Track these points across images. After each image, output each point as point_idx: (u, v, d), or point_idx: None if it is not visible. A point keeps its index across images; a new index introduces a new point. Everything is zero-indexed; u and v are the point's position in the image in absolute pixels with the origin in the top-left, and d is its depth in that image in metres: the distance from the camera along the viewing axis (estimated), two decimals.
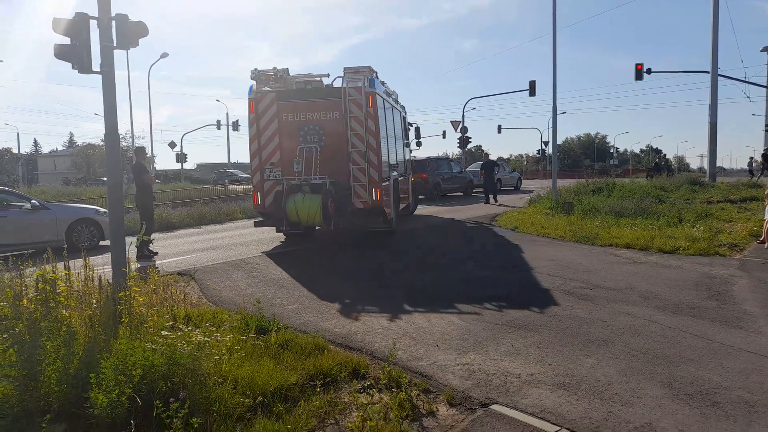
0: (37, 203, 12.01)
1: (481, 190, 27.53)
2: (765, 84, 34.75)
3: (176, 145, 48.56)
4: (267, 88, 11.13)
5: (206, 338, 4.17)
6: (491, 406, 4.02)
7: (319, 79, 11.66)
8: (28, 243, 11.35)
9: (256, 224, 11.61)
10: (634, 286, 7.49)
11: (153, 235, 11.50)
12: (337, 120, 10.96)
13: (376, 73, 11.68)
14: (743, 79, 30.35)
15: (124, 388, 3.39)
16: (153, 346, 3.78)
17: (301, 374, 4.47)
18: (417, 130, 18.22)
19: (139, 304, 5.60)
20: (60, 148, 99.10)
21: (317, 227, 10.87)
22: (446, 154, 53.75)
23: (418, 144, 18.50)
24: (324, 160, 10.78)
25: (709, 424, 3.66)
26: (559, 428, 3.67)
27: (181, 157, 48.08)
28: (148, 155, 50.61)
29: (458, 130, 36.49)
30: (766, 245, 10.09)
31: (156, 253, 10.90)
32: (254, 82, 11.21)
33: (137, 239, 7.49)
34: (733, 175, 47.25)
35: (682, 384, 4.30)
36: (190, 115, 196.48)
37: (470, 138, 35.65)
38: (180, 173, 51.08)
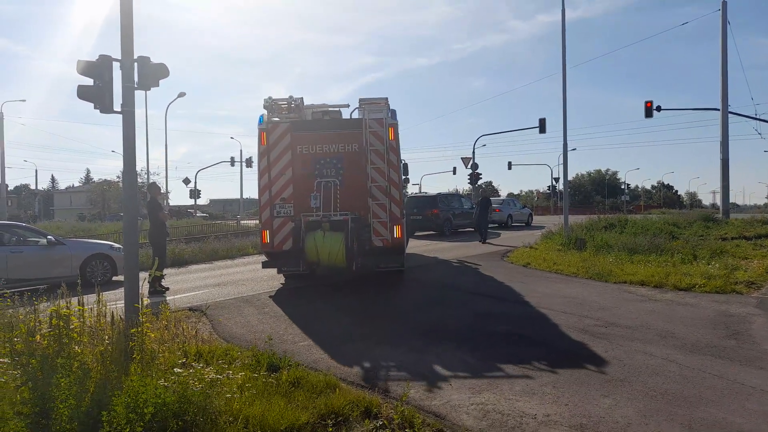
0: (53, 239, 12.19)
1: (496, 225, 27.58)
2: None
3: (190, 181, 49.25)
4: (276, 119, 10.67)
5: (218, 376, 4.15)
6: None
7: (337, 109, 11.29)
8: (44, 278, 11.45)
9: (264, 265, 10.83)
10: (650, 324, 7.37)
11: (165, 271, 11.58)
12: (357, 153, 10.48)
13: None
14: (754, 116, 30.42)
15: (135, 427, 3.37)
16: (165, 384, 3.77)
17: (312, 413, 4.41)
18: (405, 166, 18.07)
19: (150, 340, 5.60)
20: (76, 184, 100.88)
21: (338, 268, 10.12)
22: (457, 190, 53.94)
23: (406, 181, 18.33)
24: (342, 195, 10.36)
25: None
26: None
27: (195, 193, 48.65)
28: (162, 191, 51.25)
29: (468, 166, 36.71)
30: None
31: (168, 289, 10.94)
32: (266, 112, 10.71)
33: (149, 275, 7.57)
34: (747, 212, 46.81)
35: (703, 426, 4.19)
36: (205, 152, 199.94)
37: (481, 174, 35.80)
38: (194, 209, 51.64)
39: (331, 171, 10.50)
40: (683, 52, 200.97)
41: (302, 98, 10.87)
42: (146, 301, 6.46)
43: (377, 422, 4.35)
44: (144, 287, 7.47)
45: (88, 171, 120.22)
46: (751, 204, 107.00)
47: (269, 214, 10.32)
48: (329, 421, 4.31)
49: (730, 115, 25.71)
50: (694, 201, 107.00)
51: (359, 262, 10.03)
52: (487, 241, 19.50)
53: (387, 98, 10.79)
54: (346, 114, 11.65)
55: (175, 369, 4.09)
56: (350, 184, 10.42)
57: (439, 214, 22.62)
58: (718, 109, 25.57)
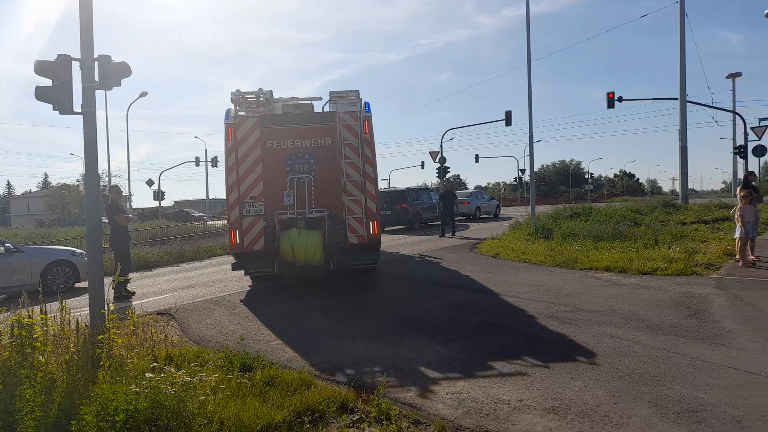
0: (11, 246, 11.77)
1: (464, 218, 27.85)
2: (731, 109, 36.06)
3: (154, 182, 48.20)
4: (243, 113, 10.22)
5: (191, 379, 4.09)
6: None
7: (309, 102, 10.91)
8: (2, 287, 11.06)
9: (234, 267, 10.16)
10: (615, 308, 7.58)
11: (131, 275, 11.32)
12: (330, 148, 10.15)
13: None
14: (710, 104, 31.47)
15: None
16: (136, 389, 3.69)
17: (288, 411, 4.39)
18: None
19: (118, 346, 5.49)
20: (34, 189, 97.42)
21: (315, 267, 9.76)
22: (425, 184, 54.20)
23: None
24: (316, 191, 10.05)
25: None
26: None
27: (159, 195, 47.64)
28: (124, 194, 49.98)
29: (437, 160, 36.91)
30: (740, 263, 10.32)
31: (133, 293, 10.70)
32: (233, 106, 10.26)
33: (113, 280, 7.37)
34: (705, 197, 48.42)
35: (669, 403, 4.34)
36: (168, 153, 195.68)
37: (449, 168, 36.01)
38: (158, 211, 50.51)
39: (303, 167, 10.13)
40: (643, 43, 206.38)
41: (271, 91, 10.52)
42: (112, 306, 6.31)
43: (354, 416, 4.36)
44: (109, 293, 7.27)
45: (46, 175, 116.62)
46: (708, 190, 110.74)
47: (238, 213, 9.81)
48: (306, 418, 4.31)
49: (688, 104, 26.53)
50: (654, 188, 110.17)
51: (335, 260, 9.75)
52: (456, 233, 19.58)
53: (358, 91, 10.48)
54: (318, 107, 11.31)
55: (146, 374, 4.01)
56: (324, 180, 10.09)
57: (408, 209, 22.72)
58: (677, 99, 26.35)
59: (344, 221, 9.90)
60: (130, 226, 12.60)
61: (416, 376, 5.28)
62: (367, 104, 10.32)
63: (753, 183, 12.12)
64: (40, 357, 4.73)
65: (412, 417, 4.33)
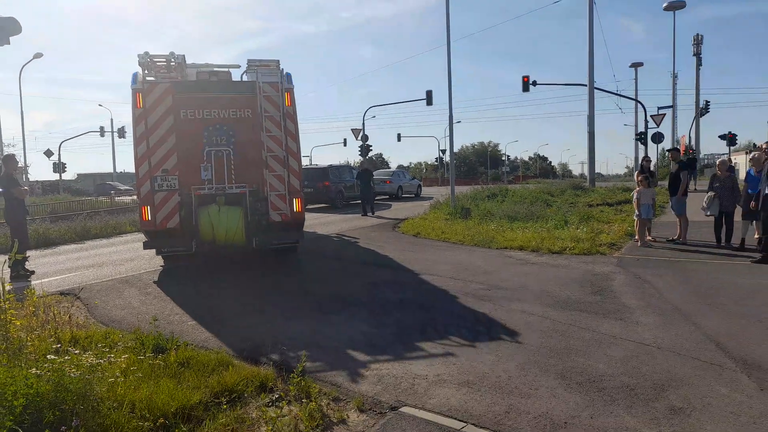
0: None
1: (387, 197, 28.10)
2: (633, 97, 38.58)
3: (53, 153, 44.73)
4: (151, 78, 9.40)
5: (98, 360, 3.86)
6: (400, 409, 4.09)
7: (226, 70, 10.24)
8: None
9: (146, 246, 9.49)
10: (527, 285, 7.97)
11: (28, 253, 10.47)
12: (250, 119, 9.57)
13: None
14: (615, 92, 33.48)
15: (4, 421, 3.06)
16: (37, 372, 3.45)
17: (204, 392, 4.27)
18: None
19: (16, 328, 5.08)
20: None
21: (236, 246, 9.26)
22: (348, 162, 54.11)
23: None
24: (235, 166, 9.48)
25: (597, 408, 3.98)
26: (465, 424, 3.81)
27: (60, 167, 44.29)
28: (20, 165, 46.04)
29: (359, 138, 36.88)
30: (639, 243, 11.16)
31: (33, 272, 9.92)
32: (140, 70, 9.38)
33: (9, 258, 6.75)
34: (610, 181, 51.78)
35: (573, 374, 4.64)
36: (70, 122, 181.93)
37: (371, 146, 36.19)
38: (59, 184, 46.96)
39: (221, 139, 9.47)
40: (558, 29, 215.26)
41: (184, 56, 9.75)
42: (9, 286, 5.83)
43: (273, 395, 4.32)
44: (4, 272, 6.65)
45: None
46: (613, 174, 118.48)
47: (149, 187, 9.01)
48: (223, 398, 4.21)
49: (595, 90, 28.07)
50: (565, 171, 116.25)
51: (257, 239, 9.27)
52: (375, 213, 19.57)
53: (278, 61, 9.92)
54: (236, 76, 10.71)
55: (48, 356, 3.75)
56: (243, 154, 9.51)
57: (330, 187, 22.58)
58: (586, 85, 27.79)
59: (266, 198, 9.43)
60: (27, 200, 11.63)
61: (337, 354, 5.31)
62: (288, 75, 9.85)
63: (649, 168, 13.11)
64: None
65: (332, 394, 4.36)
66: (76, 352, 4.26)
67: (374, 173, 31.46)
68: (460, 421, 3.86)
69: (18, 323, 5.13)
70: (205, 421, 3.87)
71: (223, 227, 8.86)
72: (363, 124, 38.54)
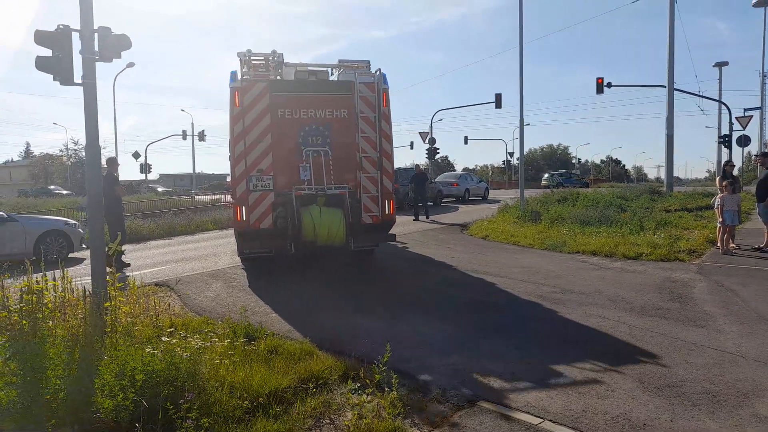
0: (5, 215, 11.78)
1: (452, 200, 28.12)
2: (717, 98, 36.52)
3: (140, 155, 47.74)
4: (247, 77, 9.24)
5: (205, 343, 4.28)
6: (477, 402, 4.25)
7: (325, 70, 10.07)
8: None
9: (241, 249, 9.63)
10: (602, 290, 7.88)
11: (124, 247, 11.40)
12: (346, 120, 9.40)
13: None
14: (697, 93, 31.86)
15: (128, 393, 3.49)
16: (153, 351, 3.88)
17: (293, 378, 4.61)
18: None
19: (123, 314, 5.66)
20: (16, 158, 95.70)
21: (335, 247, 9.01)
22: (417, 165, 54.24)
23: None
24: (332, 166, 9.28)
25: (677, 412, 3.98)
26: (541, 420, 3.92)
27: (146, 168, 47.24)
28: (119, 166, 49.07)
29: (426, 141, 37.01)
30: (721, 251, 10.70)
31: (128, 265, 10.80)
32: (238, 68, 9.35)
33: (109, 248, 7.45)
34: (689, 185, 49.24)
35: (652, 378, 4.63)
36: (154, 125, 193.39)
37: (438, 149, 36.18)
38: (141, 184, 50.14)
39: (317, 139, 9.28)
40: (634, 29, 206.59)
41: (282, 54, 9.62)
42: (118, 275, 6.46)
43: (356, 384, 4.59)
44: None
45: (28, 144, 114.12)
46: (692, 178, 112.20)
47: (245, 187, 8.93)
48: (310, 384, 4.53)
49: (675, 92, 26.84)
50: (640, 175, 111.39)
51: (354, 240, 8.95)
52: (430, 217, 18.90)
53: (369, 61, 9.79)
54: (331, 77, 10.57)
55: (162, 338, 4.19)
56: (338, 155, 9.32)
57: (399, 189, 22.82)
58: (665, 86, 26.62)
59: (359, 200, 9.34)
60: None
61: (413, 348, 5.52)
62: (384, 75, 9.64)
63: (732, 173, 12.49)
64: (50, 322, 4.90)
65: (411, 386, 4.58)
66: (173, 340, 4.71)
67: (441, 176, 31.59)
68: (537, 417, 3.98)
69: (125, 309, 5.72)
70: (295, 403, 4.20)
71: (325, 228, 8.63)
72: (431, 126, 38.65)
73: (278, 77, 9.63)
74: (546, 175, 48.31)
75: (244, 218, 8.94)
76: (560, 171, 55.53)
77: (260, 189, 8.99)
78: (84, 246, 12.00)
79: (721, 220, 10.83)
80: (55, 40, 6.63)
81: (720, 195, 11.12)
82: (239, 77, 9.18)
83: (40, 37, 6.61)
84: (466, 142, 55.64)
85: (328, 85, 9.80)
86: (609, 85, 27.88)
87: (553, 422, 3.89)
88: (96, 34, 6.78)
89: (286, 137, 9.18)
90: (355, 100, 9.32)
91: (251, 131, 8.96)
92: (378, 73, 9.61)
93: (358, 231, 9.18)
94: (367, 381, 4.34)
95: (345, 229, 8.67)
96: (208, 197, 34.26)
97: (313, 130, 9.31)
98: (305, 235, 8.61)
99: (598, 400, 4.22)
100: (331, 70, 10.63)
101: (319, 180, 9.11)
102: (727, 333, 5.81)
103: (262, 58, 9.56)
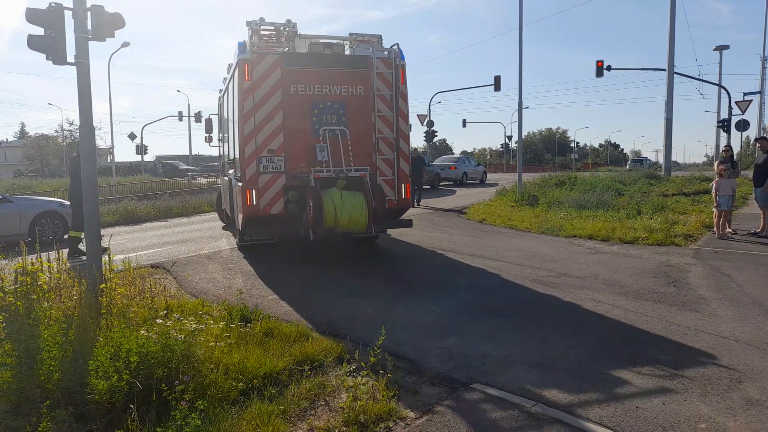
0: (0, 196, 11.71)
1: (450, 183, 28.07)
2: (717, 82, 36.32)
3: (136, 136, 47.40)
4: (256, 49, 8.42)
5: (200, 326, 4.28)
6: (471, 385, 4.28)
7: (340, 43, 9.19)
8: None
9: (245, 235, 9.14)
10: (597, 274, 7.90)
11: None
12: (362, 98, 8.80)
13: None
14: (697, 77, 31.67)
15: (122, 374, 3.49)
16: (147, 333, 3.87)
17: (288, 360, 4.62)
18: None
19: (119, 295, 5.65)
20: (11, 138, 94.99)
21: (356, 233, 8.50)
22: (416, 149, 54.11)
23: None
24: (349, 147, 8.65)
25: (670, 396, 4.00)
26: (535, 403, 3.94)
27: (142, 149, 46.93)
28: (106, 146, 48.68)
29: (424, 123, 36.84)
30: (717, 235, 10.71)
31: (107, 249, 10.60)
32: (246, 39, 8.59)
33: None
34: (687, 170, 49.21)
35: (644, 360, 4.66)
36: (150, 106, 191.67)
37: (436, 132, 36.06)
38: (140, 165, 49.84)
39: (332, 117, 8.64)
40: (634, 12, 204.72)
41: (297, 24, 8.87)
42: (114, 257, 6.43)
43: (351, 366, 4.61)
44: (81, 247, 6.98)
45: (23, 125, 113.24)
46: (690, 162, 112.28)
47: (255, 168, 8.29)
48: (305, 366, 4.54)
49: (675, 75, 26.67)
50: (638, 159, 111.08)
51: (374, 226, 8.35)
52: (420, 203, 18.25)
53: (381, 36, 9.16)
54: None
55: (157, 320, 4.19)
56: (354, 135, 8.72)
57: None
58: (665, 70, 26.45)
59: (378, 183, 8.80)
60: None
61: (409, 331, 5.54)
62: (400, 50, 9.06)
63: (732, 158, 12.46)
64: (45, 303, 4.88)
65: (405, 368, 4.60)
66: (168, 322, 4.71)
67: (438, 159, 31.48)
68: (530, 399, 4.00)
69: (120, 291, 5.72)
70: (290, 385, 4.21)
71: (347, 213, 7.97)
72: (429, 109, 38.50)
73: (288, 49, 8.78)
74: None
75: (255, 202, 8.34)
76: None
77: (271, 171, 8.39)
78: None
79: (716, 204, 10.83)
80: (47, 18, 6.52)
81: (716, 180, 11.11)
82: (247, 48, 8.42)
83: (32, 15, 6.50)
84: (464, 125, 55.24)
85: (344, 59, 8.98)
86: (609, 68, 27.67)
87: (546, 405, 3.91)
88: (89, 13, 6.68)
89: (298, 115, 8.51)
90: (372, 76, 8.78)
91: (261, 108, 8.32)
92: (395, 47, 9.02)
93: (380, 217, 8.53)
94: (363, 363, 4.35)
95: (368, 215, 8.06)
96: (205, 180, 34.13)
97: (328, 108, 8.66)
98: (327, 221, 7.94)
99: (591, 384, 4.24)
100: (345, 44, 9.74)
101: (338, 161, 8.43)
102: (721, 317, 5.84)
103: (273, 28, 8.83)
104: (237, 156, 9.00)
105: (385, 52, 8.95)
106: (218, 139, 13.72)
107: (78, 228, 9.63)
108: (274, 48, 8.64)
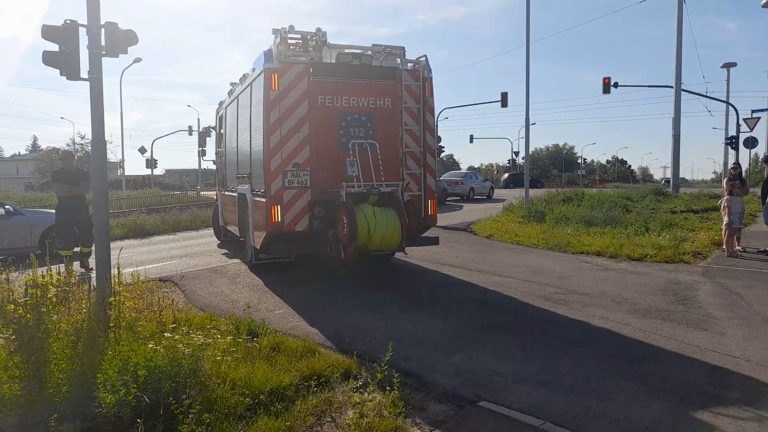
0: (11, 208, 11.84)
1: (457, 198, 28.09)
2: (725, 99, 36.29)
3: (146, 150, 47.83)
4: (283, 58, 8.08)
5: (207, 340, 4.29)
6: (479, 403, 4.25)
7: (369, 54, 8.81)
8: (2, 249, 11.15)
9: (266, 252, 8.65)
10: (606, 291, 7.86)
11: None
12: (389, 110, 8.54)
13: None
14: (705, 94, 31.67)
15: (130, 388, 3.50)
16: (155, 347, 3.89)
17: (295, 375, 4.62)
18: None
19: (128, 309, 5.68)
20: (23, 152, 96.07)
21: (388, 252, 8.14)
22: None
23: None
24: (377, 161, 8.30)
25: (680, 416, 3.96)
26: (543, 422, 3.91)
27: (152, 163, 47.30)
28: (117, 160, 49.06)
29: None
30: (726, 253, 10.64)
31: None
32: (273, 47, 8.11)
33: (81, 250, 7.36)
34: (695, 186, 49.04)
35: (654, 379, 4.61)
36: (159, 120, 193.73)
37: (443, 147, 36.18)
38: (149, 179, 50.28)
39: (359, 131, 8.34)
40: (641, 29, 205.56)
41: (326, 33, 8.58)
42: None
43: (357, 382, 4.60)
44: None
45: (35, 138, 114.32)
46: (699, 179, 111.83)
47: (280, 183, 7.99)
48: (312, 382, 4.53)
49: (682, 92, 26.70)
50: (646, 175, 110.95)
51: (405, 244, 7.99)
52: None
53: (404, 48, 8.81)
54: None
55: (165, 334, 4.21)
56: (381, 150, 8.37)
57: None
58: (672, 87, 26.49)
59: (409, 199, 8.55)
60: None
61: (416, 347, 5.52)
62: (428, 63, 8.88)
63: (741, 175, 12.42)
64: (54, 316, 4.92)
65: (412, 385, 4.58)
66: (176, 336, 4.72)
67: (446, 175, 31.53)
68: (538, 418, 3.97)
69: (129, 304, 5.75)
70: (296, 401, 4.20)
71: (380, 231, 7.52)
72: (436, 125, 38.62)
73: (315, 59, 8.45)
74: None
75: (280, 219, 7.96)
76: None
77: (296, 186, 8.07)
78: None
79: (727, 221, 10.77)
80: (62, 35, 6.65)
81: (726, 197, 11.06)
82: (274, 56, 8.04)
83: (48, 32, 6.63)
84: (471, 141, 55.46)
85: (372, 71, 8.58)
86: (616, 85, 27.79)
87: (554, 424, 3.88)
88: (103, 30, 6.81)
89: (325, 128, 8.18)
90: (400, 88, 8.52)
91: (287, 119, 8.00)
92: (423, 59, 8.76)
93: (414, 234, 8.28)
94: (369, 380, 4.35)
95: (401, 232, 7.64)
96: (213, 193, 34.31)
97: (355, 120, 8.35)
98: (360, 240, 7.46)
99: (599, 403, 4.21)
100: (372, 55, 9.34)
101: (368, 176, 8.07)
102: (730, 336, 5.78)
103: (300, 36, 8.50)
104: (257, 170, 8.72)
105: (411, 65, 8.74)
106: (215, 153, 13.79)
107: (66, 248, 9.79)
108: (300, 57, 8.36)
